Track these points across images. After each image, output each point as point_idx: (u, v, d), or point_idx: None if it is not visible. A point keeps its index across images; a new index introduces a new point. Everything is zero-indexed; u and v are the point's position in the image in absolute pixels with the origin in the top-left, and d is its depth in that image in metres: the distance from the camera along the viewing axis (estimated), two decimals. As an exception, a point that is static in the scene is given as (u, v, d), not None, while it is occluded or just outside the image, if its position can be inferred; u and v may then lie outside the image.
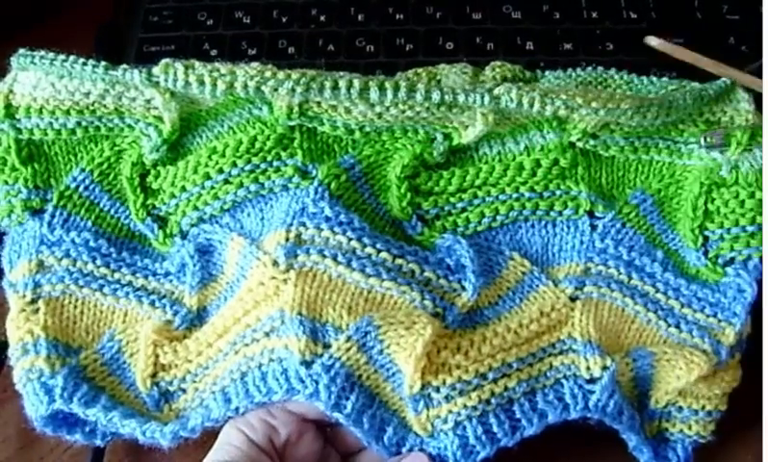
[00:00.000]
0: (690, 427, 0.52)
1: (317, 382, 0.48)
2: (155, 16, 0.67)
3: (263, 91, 0.51)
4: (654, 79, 0.57)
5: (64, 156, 0.55)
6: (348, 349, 0.49)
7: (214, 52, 0.65)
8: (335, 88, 0.51)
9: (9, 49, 0.54)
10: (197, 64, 0.52)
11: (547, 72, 0.58)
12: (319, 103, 0.53)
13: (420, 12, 0.67)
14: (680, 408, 0.52)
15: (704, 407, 0.52)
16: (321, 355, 0.49)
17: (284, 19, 0.67)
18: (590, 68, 0.58)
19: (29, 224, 0.54)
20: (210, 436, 0.50)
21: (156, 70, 0.52)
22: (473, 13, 0.67)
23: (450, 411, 0.49)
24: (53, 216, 0.54)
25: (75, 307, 0.53)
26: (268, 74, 0.51)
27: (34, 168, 0.55)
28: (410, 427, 0.50)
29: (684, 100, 0.53)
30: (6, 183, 0.54)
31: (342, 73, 0.52)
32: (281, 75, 0.51)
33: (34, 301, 0.53)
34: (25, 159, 0.55)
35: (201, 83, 0.51)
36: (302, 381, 0.48)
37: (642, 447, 0.51)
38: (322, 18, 0.67)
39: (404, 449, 0.50)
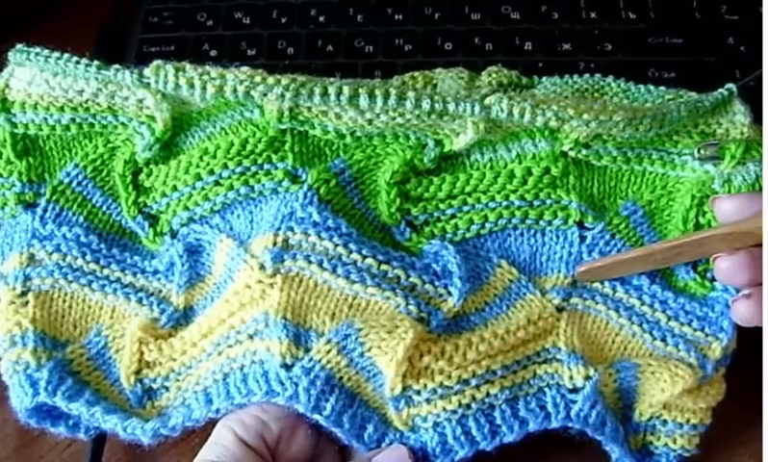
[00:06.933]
0: (675, 441, 0.52)
1: (296, 385, 0.49)
2: (155, 17, 0.68)
3: (252, 96, 0.51)
4: (652, 87, 0.57)
5: (58, 151, 0.56)
6: (328, 352, 0.49)
7: (213, 53, 0.66)
8: (324, 94, 0.51)
9: (8, 48, 0.55)
10: (188, 66, 0.52)
11: (544, 78, 0.58)
12: (309, 108, 0.53)
13: (418, 13, 0.68)
14: (665, 421, 0.52)
15: (688, 421, 0.51)
16: (302, 359, 0.49)
17: (283, 20, 0.67)
18: (587, 76, 0.57)
19: (21, 218, 0.55)
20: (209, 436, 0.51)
21: (147, 72, 0.52)
22: (471, 14, 0.67)
23: (430, 412, 0.50)
24: (45, 210, 0.55)
25: (64, 301, 0.54)
26: (257, 79, 0.51)
27: (28, 162, 0.55)
28: (390, 423, 0.51)
29: (679, 112, 0.52)
30: (0, 176, 0.55)
31: (332, 79, 0.52)
32: (271, 80, 0.51)
33: (23, 294, 0.53)
34: (20, 153, 0.55)
35: (191, 86, 0.51)
36: (282, 384, 0.49)
37: (625, 459, 0.51)
38: (322, 19, 0.67)
39: (384, 445, 0.50)
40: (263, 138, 0.54)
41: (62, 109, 0.54)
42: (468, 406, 0.50)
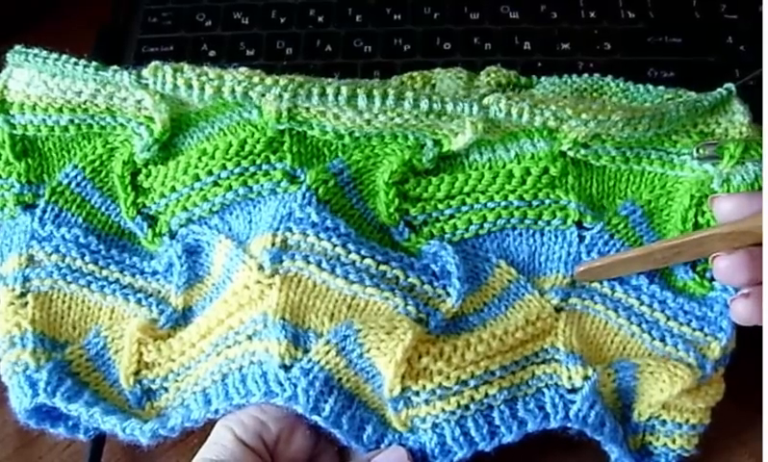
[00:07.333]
0: (674, 441, 0.52)
1: (295, 386, 0.49)
2: (154, 17, 0.68)
3: (250, 97, 0.52)
4: (651, 87, 0.56)
5: (57, 152, 0.56)
6: (327, 353, 0.49)
7: (212, 53, 0.66)
8: (322, 94, 0.51)
9: (7, 48, 0.55)
10: (186, 67, 0.52)
11: (542, 78, 0.58)
12: (307, 108, 0.53)
13: (417, 13, 0.67)
14: (664, 422, 0.51)
15: (687, 421, 0.51)
16: (301, 359, 0.49)
17: (282, 20, 0.67)
18: (586, 75, 0.57)
19: (21, 219, 0.55)
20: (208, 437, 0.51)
21: (145, 73, 0.52)
22: (470, 14, 0.67)
23: (429, 413, 0.50)
24: (44, 211, 0.55)
25: (63, 302, 0.54)
26: (255, 80, 0.51)
27: (27, 164, 0.55)
28: (389, 424, 0.51)
29: (677, 111, 0.52)
30: (-1, 177, 0.56)
31: (330, 80, 0.52)
32: (269, 81, 0.51)
33: (23, 295, 0.53)
34: (19, 154, 0.55)
35: (189, 86, 0.51)
36: (281, 384, 0.49)
37: (624, 459, 0.51)
38: (320, 19, 0.67)
39: (383, 446, 0.50)
40: (261, 138, 0.54)
41: (60, 110, 0.55)
42: (466, 407, 0.50)
